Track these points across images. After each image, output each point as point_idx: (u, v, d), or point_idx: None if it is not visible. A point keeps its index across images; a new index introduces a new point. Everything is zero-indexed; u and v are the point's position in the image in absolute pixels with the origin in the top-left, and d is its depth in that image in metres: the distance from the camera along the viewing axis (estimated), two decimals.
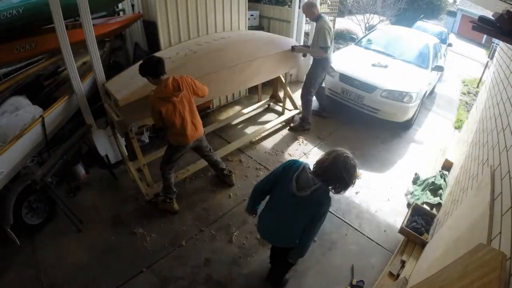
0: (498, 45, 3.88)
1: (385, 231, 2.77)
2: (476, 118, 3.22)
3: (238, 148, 3.60)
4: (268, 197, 1.82)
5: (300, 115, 4.21)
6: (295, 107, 4.36)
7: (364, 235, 2.72)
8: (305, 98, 4.03)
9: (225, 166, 3.08)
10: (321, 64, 3.86)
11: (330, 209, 2.89)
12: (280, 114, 4.39)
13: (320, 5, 6.26)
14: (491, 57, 9.58)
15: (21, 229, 2.40)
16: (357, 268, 2.40)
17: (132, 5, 3.99)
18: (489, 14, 1.89)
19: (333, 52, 3.99)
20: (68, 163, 2.77)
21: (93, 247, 2.45)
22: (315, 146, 3.86)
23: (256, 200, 1.86)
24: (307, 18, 4.22)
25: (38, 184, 2.27)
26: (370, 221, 2.86)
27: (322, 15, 3.73)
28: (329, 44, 3.62)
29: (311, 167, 1.62)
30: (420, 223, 2.59)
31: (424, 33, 6.73)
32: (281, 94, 4.46)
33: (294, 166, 1.64)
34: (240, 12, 4.14)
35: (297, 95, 4.74)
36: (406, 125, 4.41)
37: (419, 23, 8.87)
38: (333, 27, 8.44)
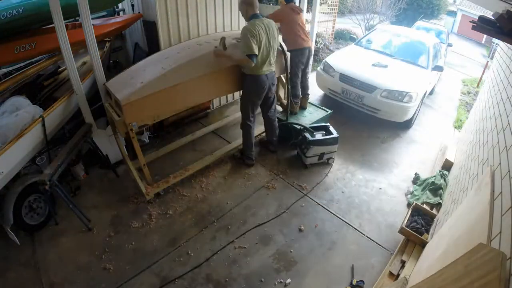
0: (498, 45, 3.88)
1: (385, 231, 2.77)
2: (476, 118, 3.22)
3: (238, 148, 3.59)
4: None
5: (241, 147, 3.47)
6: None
7: (364, 235, 2.72)
8: (244, 123, 3.23)
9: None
10: (249, 82, 2.98)
11: (330, 209, 2.92)
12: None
13: (320, 5, 6.26)
14: (491, 57, 9.58)
15: (21, 229, 2.41)
16: (357, 268, 2.40)
17: (132, 5, 3.98)
18: (489, 14, 1.89)
19: (273, 65, 3.02)
20: (68, 163, 2.77)
21: (93, 247, 2.45)
22: None
23: None
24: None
25: (47, 184, 2.27)
26: (370, 221, 2.86)
27: (257, 17, 2.82)
28: (255, 51, 2.72)
29: None
30: (420, 223, 2.59)
31: (424, 33, 6.74)
32: (281, 93, 4.46)
33: None
34: None
35: None
36: (406, 125, 4.41)
37: (419, 23, 8.87)
38: (332, 29, 8.48)
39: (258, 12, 2.87)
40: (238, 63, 2.92)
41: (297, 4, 4.79)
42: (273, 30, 2.91)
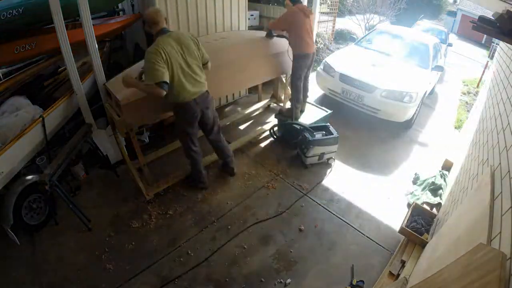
0: (498, 45, 3.88)
1: (385, 231, 2.77)
2: (476, 118, 3.22)
3: (238, 148, 3.60)
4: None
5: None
6: None
7: (364, 235, 2.72)
8: (186, 153, 2.86)
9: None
10: (175, 111, 2.61)
11: (330, 209, 2.91)
12: None
13: (320, 5, 6.25)
14: (491, 57, 9.58)
15: (21, 229, 2.41)
16: (357, 268, 2.40)
17: (132, 5, 3.98)
18: (489, 14, 1.89)
19: (202, 85, 2.54)
20: (68, 163, 2.77)
21: (93, 247, 2.45)
22: None
23: None
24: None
25: (47, 184, 2.27)
26: (370, 221, 2.86)
27: (164, 33, 2.34)
28: (165, 77, 2.22)
29: None
30: (420, 223, 2.59)
31: (424, 33, 6.74)
32: (281, 94, 4.47)
33: None
34: (240, 12, 4.14)
35: None
36: (406, 125, 4.41)
37: (419, 23, 8.88)
38: (332, 29, 8.47)
39: (165, 26, 2.38)
40: (146, 93, 2.37)
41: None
42: (188, 42, 2.39)
